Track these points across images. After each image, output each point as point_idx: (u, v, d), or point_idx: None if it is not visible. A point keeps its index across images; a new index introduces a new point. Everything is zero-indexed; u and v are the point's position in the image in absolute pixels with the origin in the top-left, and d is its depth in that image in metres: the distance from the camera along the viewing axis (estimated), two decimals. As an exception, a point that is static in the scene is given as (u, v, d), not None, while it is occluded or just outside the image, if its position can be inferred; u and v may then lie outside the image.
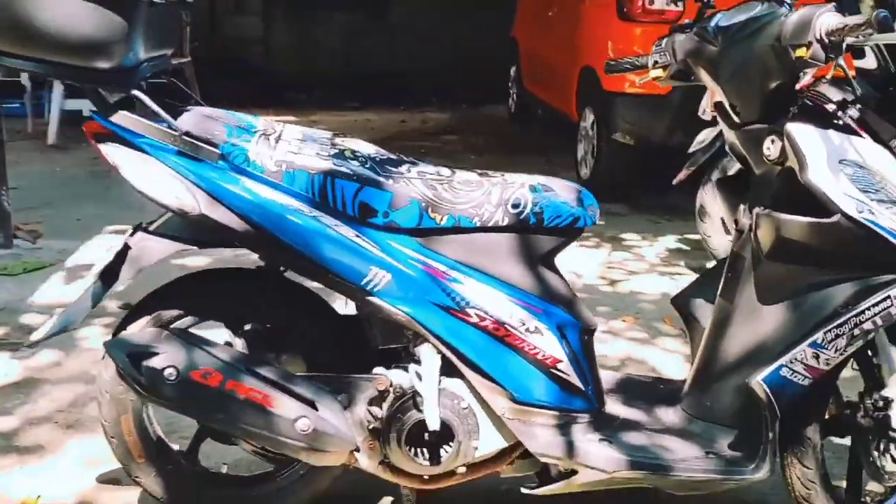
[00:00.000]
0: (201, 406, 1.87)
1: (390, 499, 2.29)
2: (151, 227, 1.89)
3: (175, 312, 1.94)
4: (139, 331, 1.89)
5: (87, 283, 1.86)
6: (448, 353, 1.89)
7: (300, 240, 1.81)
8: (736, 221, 2.14)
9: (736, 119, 2.06)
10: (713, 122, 2.67)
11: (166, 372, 1.79)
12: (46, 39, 1.66)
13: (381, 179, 1.88)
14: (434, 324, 1.87)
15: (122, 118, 1.79)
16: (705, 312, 2.21)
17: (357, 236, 1.84)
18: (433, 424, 1.88)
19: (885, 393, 1.99)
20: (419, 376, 1.89)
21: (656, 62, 2.24)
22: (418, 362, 1.91)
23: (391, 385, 1.90)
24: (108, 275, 1.84)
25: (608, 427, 2.04)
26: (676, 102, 5.31)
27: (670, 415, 2.14)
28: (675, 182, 4.25)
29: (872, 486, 2.19)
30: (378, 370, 1.95)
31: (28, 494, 2.27)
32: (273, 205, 1.80)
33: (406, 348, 1.96)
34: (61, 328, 1.85)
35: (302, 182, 1.83)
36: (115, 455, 2.03)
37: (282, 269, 2.03)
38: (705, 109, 4.15)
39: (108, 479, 2.34)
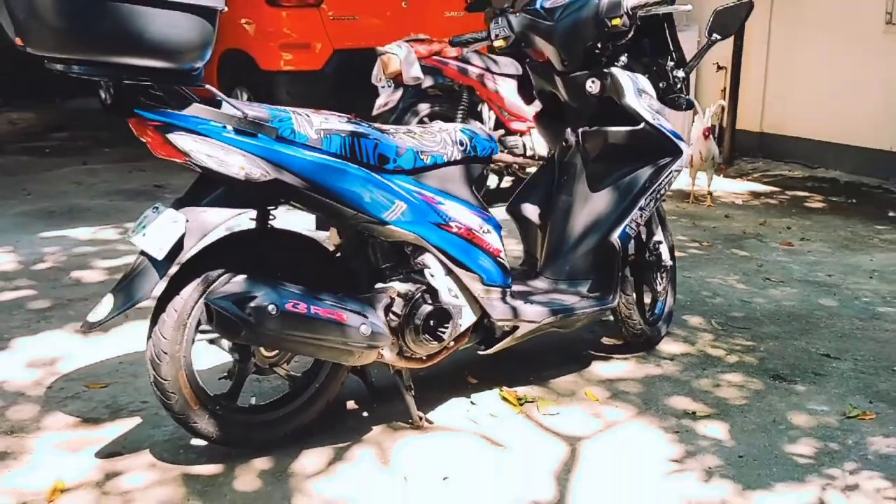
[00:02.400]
0: (297, 330, 2.23)
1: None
2: (202, 202, 2.21)
3: (219, 270, 2.29)
4: (231, 283, 2.23)
5: (142, 261, 2.15)
6: (441, 257, 2.57)
7: (343, 189, 2.31)
8: (565, 140, 3.18)
9: (564, 68, 3.07)
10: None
11: (269, 308, 2.15)
12: (153, 47, 1.97)
13: (387, 135, 2.46)
14: (432, 237, 2.52)
15: (198, 109, 2.14)
16: (534, 212, 3.21)
17: (382, 179, 2.40)
18: (448, 306, 2.55)
19: (655, 238, 3.25)
20: (432, 276, 2.56)
21: (497, 35, 3.13)
22: (420, 271, 2.54)
23: (398, 293, 2.50)
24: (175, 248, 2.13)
25: (523, 294, 2.90)
26: (331, 74, 6.28)
27: (541, 282, 3.10)
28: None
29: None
30: (382, 285, 2.52)
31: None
32: (322, 162, 2.28)
33: (394, 266, 2.56)
34: (127, 305, 2.12)
35: (336, 144, 2.32)
36: (174, 409, 2.31)
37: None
38: (380, 77, 5.21)
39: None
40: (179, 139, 2.09)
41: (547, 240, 3.12)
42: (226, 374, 2.50)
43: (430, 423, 2.70)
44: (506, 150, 5.18)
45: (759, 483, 2.41)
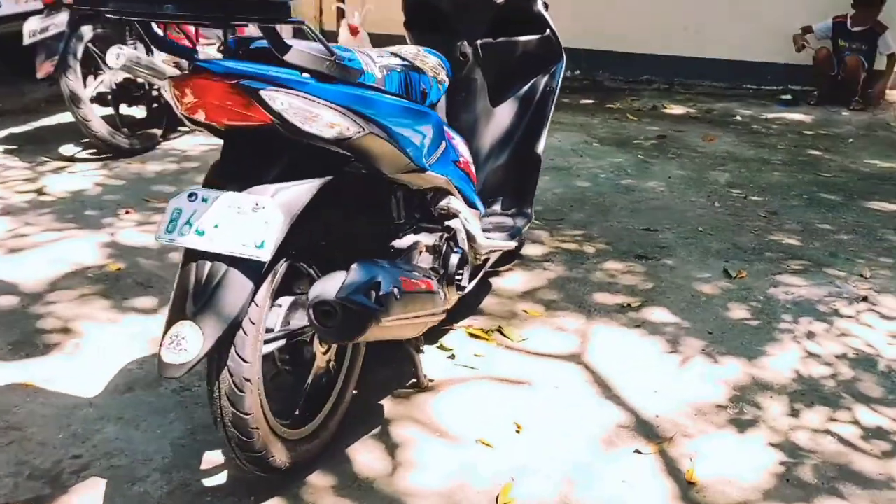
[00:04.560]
0: (411, 310, 1.96)
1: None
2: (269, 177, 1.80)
3: (282, 262, 1.88)
4: (349, 274, 1.78)
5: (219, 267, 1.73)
6: (460, 198, 2.37)
7: (410, 135, 2.03)
8: (462, 55, 2.87)
9: None
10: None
11: (394, 291, 1.84)
12: None
13: (418, 66, 2.22)
14: (454, 178, 2.34)
15: (297, 54, 1.72)
16: None
17: (441, 119, 2.25)
18: (465, 250, 2.34)
19: None
20: (466, 220, 2.34)
21: None
22: (442, 218, 2.31)
23: (426, 247, 2.24)
24: None
25: (492, 224, 2.81)
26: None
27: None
28: (40, 76, 4.27)
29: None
30: (404, 241, 2.21)
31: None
32: (402, 105, 2.01)
33: (410, 219, 2.28)
34: (223, 332, 1.70)
35: (394, 82, 2.04)
36: (253, 447, 1.82)
37: None
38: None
39: None
40: (272, 96, 1.65)
41: None
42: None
43: (433, 381, 2.45)
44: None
45: (747, 351, 2.70)
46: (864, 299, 3.07)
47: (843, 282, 3.23)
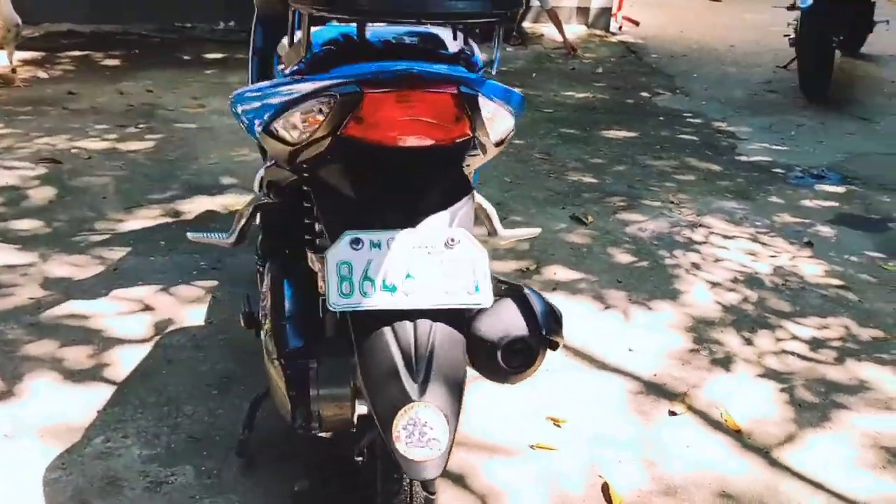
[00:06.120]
0: None
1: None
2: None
3: None
4: (533, 304, 1.55)
5: None
6: None
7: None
8: None
9: None
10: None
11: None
12: None
13: None
14: None
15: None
16: None
17: None
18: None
19: None
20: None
21: None
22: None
23: None
24: None
25: None
26: None
27: None
28: None
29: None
30: None
31: None
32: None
33: None
34: None
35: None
36: None
37: None
38: None
39: None
40: (485, 105, 1.45)
41: None
42: (358, 454, 1.65)
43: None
44: None
45: (662, 292, 2.90)
46: (699, 225, 3.45)
47: (669, 211, 3.59)
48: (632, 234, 3.33)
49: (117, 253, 2.98)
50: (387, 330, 1.34)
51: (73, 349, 2.40)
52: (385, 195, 1.43)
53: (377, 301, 1.33)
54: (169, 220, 3.30)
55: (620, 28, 7.86)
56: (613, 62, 6.70)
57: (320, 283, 1.63)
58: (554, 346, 1.57)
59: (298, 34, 1.46)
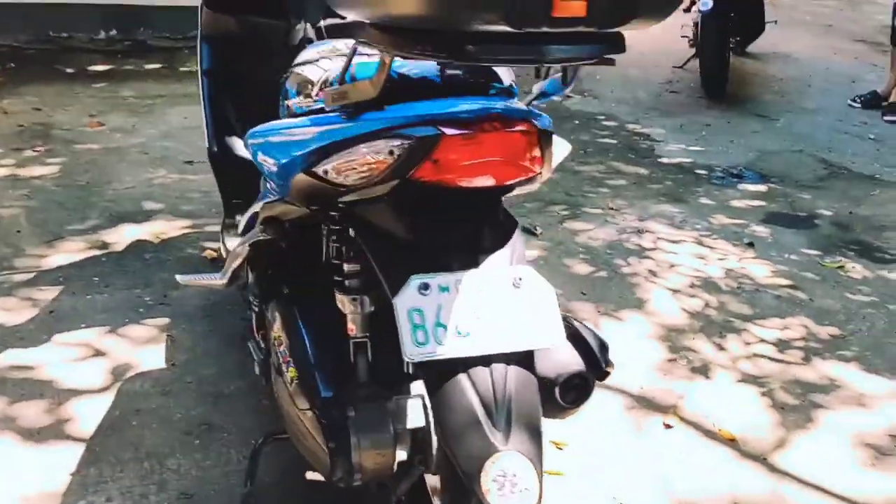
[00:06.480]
0: None
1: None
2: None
3: None
4: (588, 339, 1.57)
5: None
6: None
7: None
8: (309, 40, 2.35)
9: None
10: None
11: None
12: None
13: None
14: None
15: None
16: None
17: None
18: None
19: None
20: None
21: None
22: None
23: None
24: None
25: None
26: None
27: None
28: None
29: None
30: None
31: None
32: None
33: None
34: None
35: None
36: None
37: None
38: None
39: None
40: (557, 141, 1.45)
41: None
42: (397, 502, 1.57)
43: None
44: None
45: (627, 301, 2.93)
46: (645, 231, 3.52)
47: (612, 217, 3.64)
48: (583, 243, 3.36)
49: (48, 293, 2.75)
50: (462, 377, 1.29)
51: (25, 405, 2.19)
52: (446, 235, 1.36)
53: (453, 348, 1.27)
54: (97, 252, 3.08)
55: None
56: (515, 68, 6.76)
57: (350, 326, 1.55)
58: (604, 377, 1.55)
59: (351, 69, 1.37)
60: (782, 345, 2.72)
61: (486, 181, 1.31)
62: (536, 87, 1.60)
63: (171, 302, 2.74)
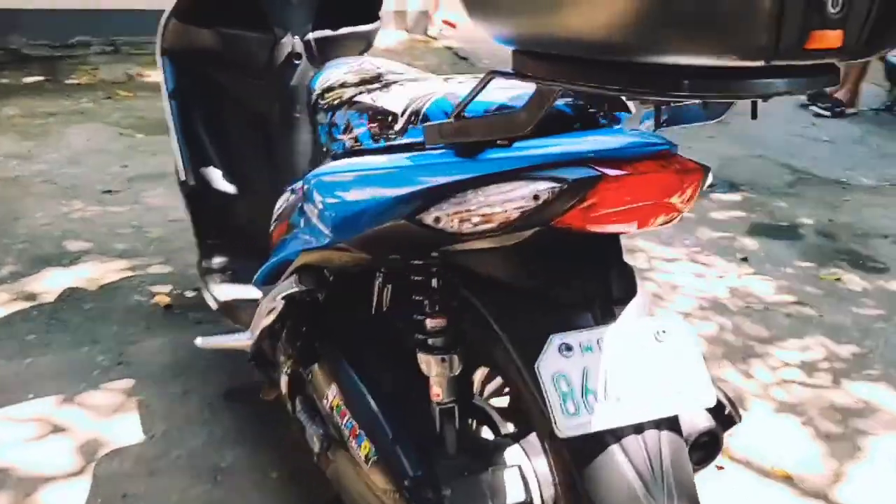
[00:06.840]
0: None
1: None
2: None
3: None
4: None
5: None
6: None
7: None
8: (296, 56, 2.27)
9: None
10: None
11: None
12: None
13: None
14: None
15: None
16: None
17: None
18: None
19: None
20: None
21: None
22: None
23: None
24: None
25: None
26: None
27: None
28: None
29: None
30: None
31: None
32: None
33: None
34: None
35: None
36: None
37: None
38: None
39: None
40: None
41: None
42: None
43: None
44: None
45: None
46: (636, 249, 3.51)
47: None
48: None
49: (-24, 360, 2.50)
50: (615, 449, 1.21)
51: (-16, 501, 1.96)
52: (580, 285, 1.27)
53: (608, 419, 1.18)
54: (24, 305, 2.83)
55: (441, 32, 7.92)
56: (448, 71, 6.71)
57: (436, 390, 1.44)
58: (730, 430, 1.50)
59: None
60: (808, 367, 2.73)
61: (631, 226, 1.23)
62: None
63: (131, 360, 2.53)
